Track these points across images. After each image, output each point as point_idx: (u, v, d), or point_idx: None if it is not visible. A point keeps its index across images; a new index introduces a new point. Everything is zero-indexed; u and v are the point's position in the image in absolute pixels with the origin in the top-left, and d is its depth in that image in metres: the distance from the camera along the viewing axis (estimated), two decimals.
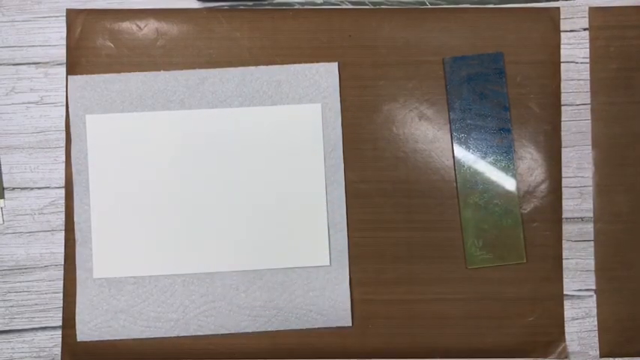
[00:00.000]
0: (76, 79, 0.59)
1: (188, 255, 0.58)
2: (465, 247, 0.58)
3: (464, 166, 0.59)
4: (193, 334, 0.58)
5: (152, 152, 0.58)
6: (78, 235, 0.58)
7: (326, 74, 0.59)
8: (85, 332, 0.58)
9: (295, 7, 0.60)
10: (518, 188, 0.59)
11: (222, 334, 0.58)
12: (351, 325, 0.58)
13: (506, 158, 0.58)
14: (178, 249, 0.58)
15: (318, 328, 0.58)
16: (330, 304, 0.58)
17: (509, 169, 0.58)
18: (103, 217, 0.58)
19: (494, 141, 0.59)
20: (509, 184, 0.58)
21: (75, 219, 0.58)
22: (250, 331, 0.58)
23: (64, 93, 0.59)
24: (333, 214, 0.58)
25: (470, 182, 0.59)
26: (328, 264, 0.58)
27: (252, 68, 0.59)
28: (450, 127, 0.59)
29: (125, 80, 0.59)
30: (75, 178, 0.58)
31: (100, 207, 0.58)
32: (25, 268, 0.59)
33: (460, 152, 0.59)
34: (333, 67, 0.59)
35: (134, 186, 0.58)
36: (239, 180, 0.58)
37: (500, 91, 0.59)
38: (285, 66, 0.59)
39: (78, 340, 0.58)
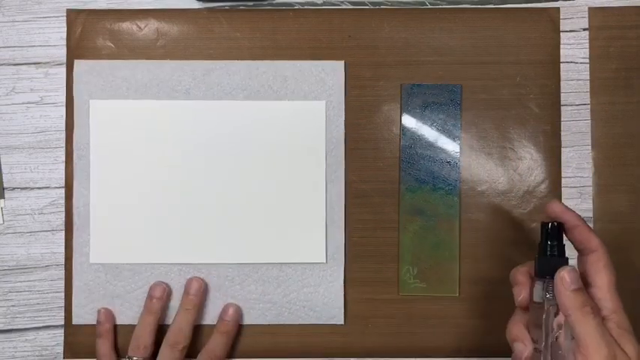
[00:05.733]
0: (82, 64, 0.59)
1: (185, 245, 0.58)
2: (399, 274, 0.58)
3: (408, 193, 0.58)
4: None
5: (154, 141, 0.58)
6: (76, 220, 0.58)
7: (332, 72, 0.59)
8: (81, 315, 0.58)
9: (295, 7, 0.60)
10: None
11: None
12: (342, 323, 0.58)
13: (452, 192, 0.58)
14: (176, 238, 0.58)
15: (318, 328, 0.58)
16: (323, 301, 0.58)
17: (454, 201, 0.58)
18: (101, 203, 0.58)
19: (441, 172, 0.58)
20: (451, 217, 0.58)
21: (74, 203, 0.58)
22: (244, 323, 0.58)
23: (64, 93, 0.59)
24: (331, 211, 0.58)
25: (412, 209, 0.58)
26: (324, 261, 0.58)
27: (258, 62, 0.59)
28: (400, 154, 0.59)
29: (131, 67, 0.59)
30: (76, 163, 0.58)
31: (100, 192, 0.58)
32: (26, 268, 0.59)
33: (406, 178, 0.59)
34: (340, 65, 0.59)
35: (134, 173, 0.58)
36: (240, 173, 0.58)
37: (453, 122, 0.59)
38: (291, 62, 0.59)
39: (73, 323, 0.58)
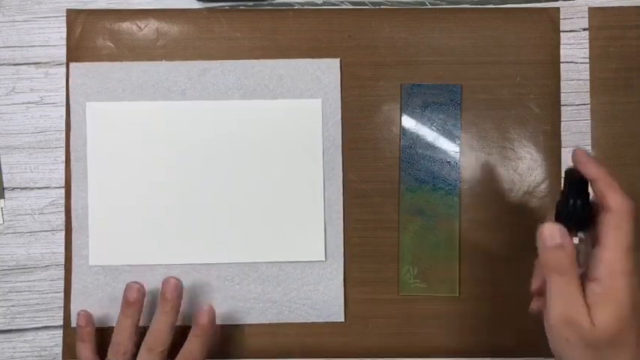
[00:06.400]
0: (78, 67, 0.59)
1: (184, 245, 0.58)
2: (399, 274, 0.58)
3: (408, 193, 0.58)
4: (187, 324, 0.58)
5: (151, 142, 0.58)
6: (75, 222, 0.58)
7: (327, 70, 0.59)
8: None
9: (295, 7, 0.60)
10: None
11: (222, 333, 0.58)
12: (343, 320, 0.58)
13: (452, 192, 0.58)
14: (175, 239, 0.58)
15: (319, 328, 0.58)
16: (323, 298, 0.58)
17: (454, 202, 0.58)
18: (100, 205, 0.58)
19: (441, 172, 0.58)
20: (450, 217, 0.58)
21: (72, 205, 0.58)
22: (244, 323, 0.58)
23: (64, 93, 0.59)
24: (329, 209, 0.58)
25: (412, 209, 0.58)
26: (323, 259, 0.58)
27: (253, 61, 0.59)
28: (400, 154, 0.59)
29: (127, 69, 0.59)
30: (73, 165, 0.58)
31: (98, 194, 0.58)
32: (26, 268, 0.59)
33: (406, 178, 0.59)
34: (335, 63, 0.59)
35: (132, 174, 0.58)
36: (237, 172, 0.58)
37: (453, 122, 0.59)
38: (287, 60, 0.59)
39: (72, 326, 0.58)
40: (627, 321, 0.41)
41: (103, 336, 0.58)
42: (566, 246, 0.43)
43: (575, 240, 0.44)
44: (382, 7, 0.60)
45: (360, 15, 0.59)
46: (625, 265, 0.42)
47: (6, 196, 0.59)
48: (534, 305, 0.49)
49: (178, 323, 0.58)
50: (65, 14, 0.59)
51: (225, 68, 0.59)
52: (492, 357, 0.58)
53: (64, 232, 0.59)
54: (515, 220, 0.59)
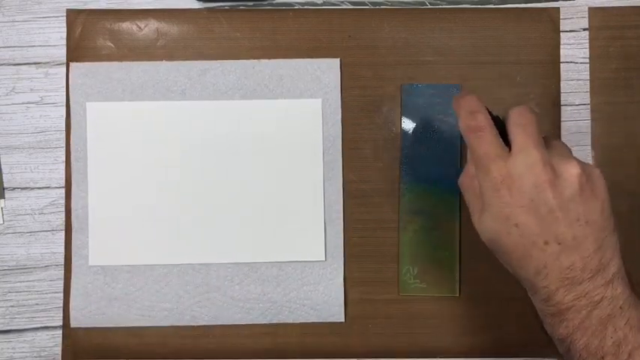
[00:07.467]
0: (78, 67, 0.59)
1: (184, 245, 0.58)
2: (399, 274, 0.58)
3: (408, 193, 0.58)
4: (187, 324, 0.58)
5: (151, 142, 0.58)
6: (75, 222, 0.58)
7: (328, 70, 0.59)
8: (78, 319, 0.58)
9: (295, 7, 0.60)
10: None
11: (222, 333, 0.58)
12: (343, 320, 0.58)
13: (452, 192, 0.58)
14: (174, 239, 0.58)
15: (319, 328, 0.58)
16: (323, 299, 0.58)
17: (454, 202, 0.58)
18: (100, 205, 0.58)
19: (441, 172, 0.58)
20: (450, 217, 0.58)
21: (72, 205, 0.58)
22: (244, 323, 0.58)
23: (64, 93, 0.59)
24: (329, 209, 0.58)
25: (412, 209, 0.58)
26: (323, 259, 0.58)
27: (254, 61, 0.59)
28: (400, 154, 0.59)
29: (127, 69, 0.59)
30: (73, 165, 0.58)
31: (98, 194, 0.58)
32: (26, 268, 0.59)
33: (406, 178, 0.59)
34: (335, 63, 0.59)
35: (132, 174, 0.58)
36: (237, 172, 0.58)
37: (453, 122, 0.58)
38: (287, 60, 0.59)
39: (72, 326, 0.58)
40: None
41: (102, 336, 0.58)
42: (480, 110, 0.46)
43: None
44: (382, 7, 0.60)
45: (360, 15, 0.59)
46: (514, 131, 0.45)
47: (6, 196, 0.59)
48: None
49: (180, 324, 0.58)
50: (65, 14, 0.60)
51: (225, 68, 0.59)
52: (492, 357, 0.58)
53: (64, 232, 0.59)
54: None
